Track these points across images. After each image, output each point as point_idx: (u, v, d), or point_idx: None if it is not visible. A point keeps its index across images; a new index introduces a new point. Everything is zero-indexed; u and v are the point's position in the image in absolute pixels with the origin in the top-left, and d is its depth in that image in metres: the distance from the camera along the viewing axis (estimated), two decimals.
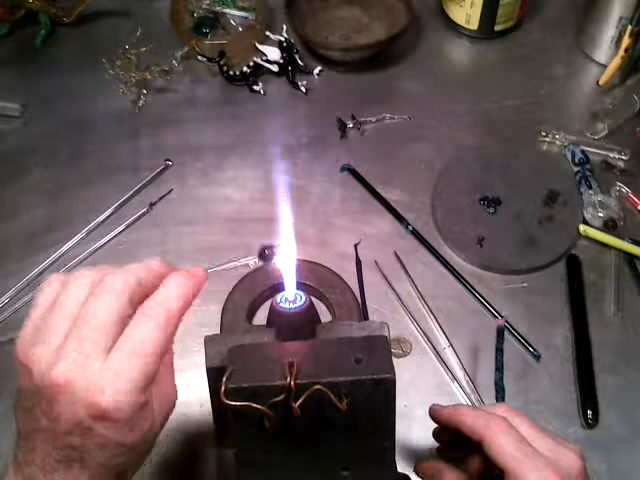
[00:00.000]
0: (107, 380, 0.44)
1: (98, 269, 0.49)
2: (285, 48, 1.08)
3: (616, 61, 1.03)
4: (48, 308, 0.48)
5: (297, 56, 1.08)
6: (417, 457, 0.73)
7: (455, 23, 1.14)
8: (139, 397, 0.45)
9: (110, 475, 0.47)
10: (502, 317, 0.83)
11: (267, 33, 1.11)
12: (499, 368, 0.78)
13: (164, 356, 0.47)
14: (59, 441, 0.45)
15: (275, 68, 1.08)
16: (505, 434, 0.51)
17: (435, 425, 0.62)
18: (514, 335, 0.83)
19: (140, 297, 0.47)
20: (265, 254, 0.53)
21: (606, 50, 1.07)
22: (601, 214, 0.91)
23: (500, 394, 0.76)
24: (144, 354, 0.45)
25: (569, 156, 0.98)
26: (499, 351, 0.78)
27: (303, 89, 1.07)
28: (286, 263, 0.54)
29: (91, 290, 0.47)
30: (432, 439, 0.64)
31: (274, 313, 0.55)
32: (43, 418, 0.45)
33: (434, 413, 0.60)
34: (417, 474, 0.62)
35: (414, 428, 0.74)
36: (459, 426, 0.55)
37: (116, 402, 0.44)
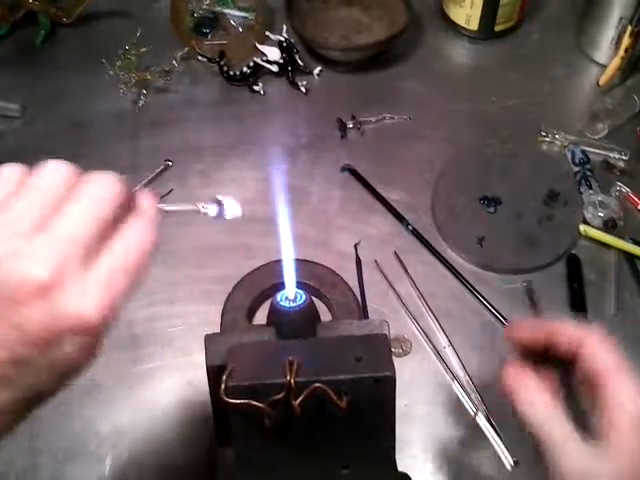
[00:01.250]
0: (99, 291, 0.39)
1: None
2: (285, 48, 1.08)
3: (616, 61, 1.03)
4: (10, 192, 0.40)
5: (297, 56, 1.08)
6: (417, 457, 0.73)
7: (455, 23, 1.14)
8: (117, 314, 0.40)
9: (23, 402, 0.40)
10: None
11: (267, 33, 1.11)
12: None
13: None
14: (6, 353, 0.37)
15: (275, 68, 1.08)
16: (606, 343, 0.50)
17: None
18: None
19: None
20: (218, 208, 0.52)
21: (606, 50, 1.07)
22: (601, 214, 0.91)
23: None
24: (133, 266, 0.41)
25: (569, 156, 0.98)
26: None
27: (303, 89, 1.07)
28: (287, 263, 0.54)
29: (68, 187, 0.42)
30: (432, 437, 0.64)
31: (274, 311, 0.55)
32: None
33: (517, 326, 0.56)
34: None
35: (414, 427, 0.74)
36: (553, 335, 0.52)
37: (105, 317, 0.38)
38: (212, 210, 0.49)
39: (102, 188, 0.42)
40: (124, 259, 0.40)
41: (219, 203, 0.50)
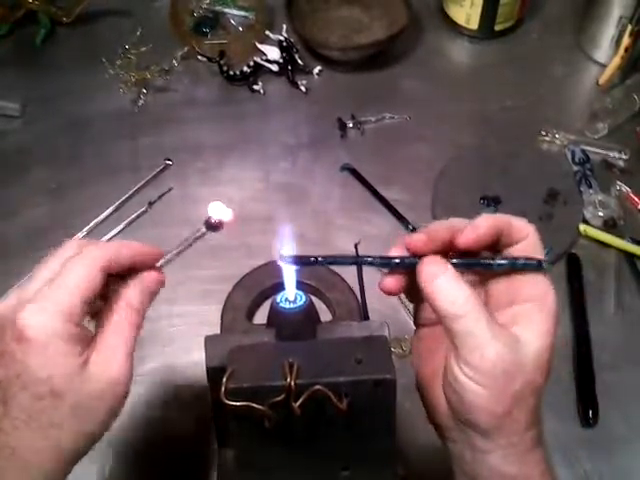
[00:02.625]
0: (30, 302, 0.46)
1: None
2: (285, 48, 1.08)
3: (616, 61, 1.03)
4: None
5: (297, 56, 1.08)
6: (418, 458, 0.73)
7: (455, 23, 1.14)
8: (60, 323, 0.46)
9: (37, 433, 0.46)
10: None
11: (267, 33, 1.11)
12: None
13: (92, 295, 0.48)
14: None
15: (275, 68, 1.08)
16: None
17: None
18: None
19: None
20: (212, 223, 0.53)
21: (606, 50, 1.07)
22: (601, 213, 0.91)
23: None
24: (67, 284, 0.47)
25: (569, 155, 0.98)
26: None
27: (303, 89, 1.07)
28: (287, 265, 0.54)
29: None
30: (433, 440, 0.63)
31: (274, 313, 0.55)
32: None
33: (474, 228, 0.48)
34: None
35: (415, 428, 0.74)
36: (507, 226, 0.49)
37: (35, 321, 0.45)
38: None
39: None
40: (62, 278, 0.48)
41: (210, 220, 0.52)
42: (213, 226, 0.53)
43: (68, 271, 0.48)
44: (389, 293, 0.51)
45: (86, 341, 0.48)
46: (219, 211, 0.54)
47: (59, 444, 0.47)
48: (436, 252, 0.49)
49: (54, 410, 0.46)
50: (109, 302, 0.51)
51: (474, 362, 0.45)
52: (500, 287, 0.50)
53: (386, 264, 0.50)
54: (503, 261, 0.48)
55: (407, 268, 0.49)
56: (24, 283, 0.51)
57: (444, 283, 0.47)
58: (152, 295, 0.54)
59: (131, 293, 0.52)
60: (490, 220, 0.48)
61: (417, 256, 0.49)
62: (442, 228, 0.49)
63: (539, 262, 0.48)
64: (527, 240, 0.49)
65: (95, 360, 0.48)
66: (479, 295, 0.48)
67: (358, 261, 0.52)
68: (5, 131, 1.05)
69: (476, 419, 0.47)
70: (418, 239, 0.49)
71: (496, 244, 0.49)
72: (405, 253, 0.50)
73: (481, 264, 0.49)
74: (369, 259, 0.51)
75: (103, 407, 0.48)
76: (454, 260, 0.48)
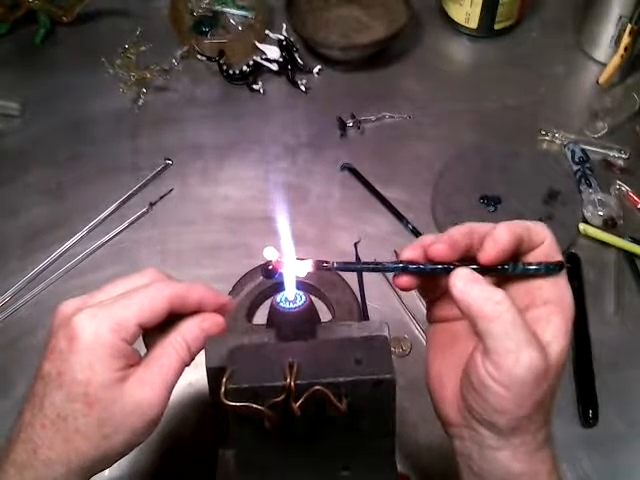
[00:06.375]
0: (89, 307, 0.48)
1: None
2: (285, 47, 1.08)
3: (616, 60, 1.03)
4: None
5: (297, 55, 1.08)
6: (418, 457, 0.73)
7: (455, 22, 1.14)
8: (109, 333, 0.47)
9: (60, 435, 0.47)
10: None
11: (267, 32, 1.11)
12: None
13: (148, 321, 0.49)
14: (38, 371, 0.48)
15: (275, 67, 1.08)
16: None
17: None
18: None
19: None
20: (269, 271, 0.52)
21: (606, 49, 1.07)
22: (601, 213, 0.91)
23: None
24: (127, 302, 0.49)
25: (569, 155, 0.98)
26: None
27: (303, 88, 1.07)
28: (287, 266, 0.54)
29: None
30: (433, 439, 0.64)
31: (274, 313, 0.55)
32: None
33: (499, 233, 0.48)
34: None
35: (414, 428, 0.74)
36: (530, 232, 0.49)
37: (85, 323, 0.47)
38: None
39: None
40: (125, 297, 0.50)
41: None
42: (270, 272, 0.53)
43: (134, 292, 0.50)
44: (403, 289, 0.51)
45: (131, 360, 0.49)
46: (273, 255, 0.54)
47: (76, 453, 0.47)
48: (458, 260, 0.49)
49: (83, 417, 0.47)
50: (165, 333, 0.51)
51: (507, 366, 0.45)
52: (518, 290, 0.50)
53: (413, 270, 0.50)
54: (532, 266, 0.49)
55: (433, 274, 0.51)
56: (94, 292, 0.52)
57: (477, 287, 0.47)
58: (207, 339, 0.53)
59: (188, 326, 0.52)
60: (510, 230, 0.48)
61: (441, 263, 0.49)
62: (462, 236, 0.49)
63: (560, 265, 0.48)
64: (545, 244, 0.49)
65: (133, 380, 0.48)
66: None
67: (380, 268, 0.52)
68: (5, 131, 1.05)
69: (496, 421, 0.47)
70: (441, 249, 0.49)
71: (516, 252, 0.49)
72: (420, 254, 0.50)
73: (503, 270, 0.49)
74: (393, 265, 0.51)
75: (127, 427, 0.48)
76: (473, 265, 0.49)
